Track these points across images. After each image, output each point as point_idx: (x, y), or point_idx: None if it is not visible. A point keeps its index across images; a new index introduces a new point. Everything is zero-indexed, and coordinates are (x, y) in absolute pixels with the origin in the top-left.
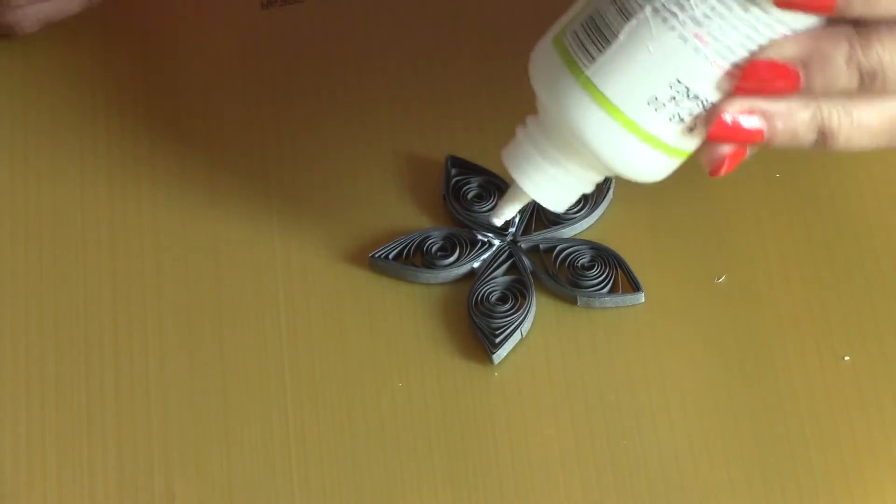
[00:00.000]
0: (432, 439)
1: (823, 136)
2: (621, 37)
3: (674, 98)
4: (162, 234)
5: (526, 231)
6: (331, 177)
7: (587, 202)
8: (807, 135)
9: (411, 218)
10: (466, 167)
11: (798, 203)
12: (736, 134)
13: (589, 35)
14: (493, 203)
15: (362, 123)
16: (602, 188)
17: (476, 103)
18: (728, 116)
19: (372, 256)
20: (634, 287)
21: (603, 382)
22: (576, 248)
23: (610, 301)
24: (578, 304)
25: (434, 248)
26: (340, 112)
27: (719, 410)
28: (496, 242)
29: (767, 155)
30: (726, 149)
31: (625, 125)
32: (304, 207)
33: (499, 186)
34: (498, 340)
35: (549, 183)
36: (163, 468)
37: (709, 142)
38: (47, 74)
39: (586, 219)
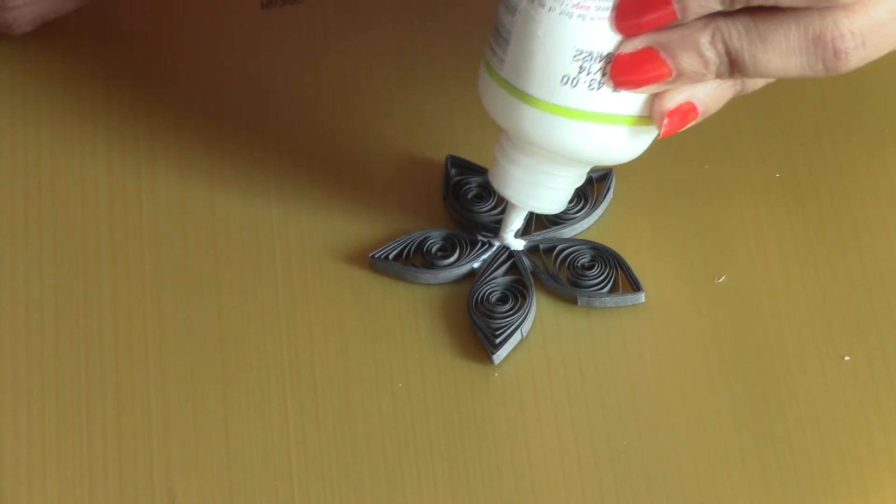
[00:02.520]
0: (432, 440)
1: (732, 61)
2: (513, 33)
3: (581, 67)
4: (161, 235)
5: (526, 231)
6: (331, 177)
7: (587, 202)
8: (714, 59)
9: (411, 218)
10: (466, 167)
11: (798, 203)
12: (637, 72)
13: (496, 39)
14: (493, 202)
15: (362, 123)
16: (602, 188)
17: (476, 103)
18: (624, 57)
19: (372, 256)
20: (634, 287)
21: (603, 382)
22: (576, 248)
23: (610, 301)
24: (578, 304)
25: (434, 249)
26: (340, 112)
27: (719, 410)
28: (496, 243)
29: (767, 155)
30: (665, 104)
31: (552, 111)
32: (304, 207)
33: None
34: (498, 341)
35: (537, 190)
36: (163, 468)
37: (655, 100)
38: (44, 73)
39: (586, 219)
